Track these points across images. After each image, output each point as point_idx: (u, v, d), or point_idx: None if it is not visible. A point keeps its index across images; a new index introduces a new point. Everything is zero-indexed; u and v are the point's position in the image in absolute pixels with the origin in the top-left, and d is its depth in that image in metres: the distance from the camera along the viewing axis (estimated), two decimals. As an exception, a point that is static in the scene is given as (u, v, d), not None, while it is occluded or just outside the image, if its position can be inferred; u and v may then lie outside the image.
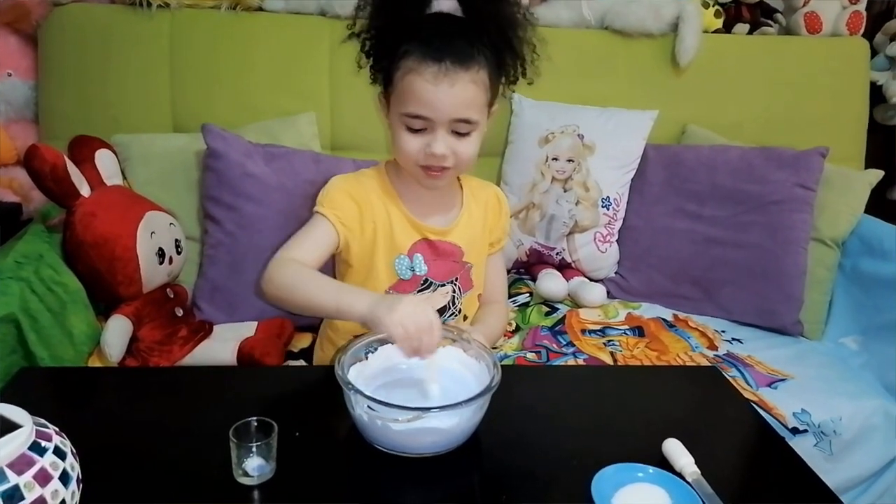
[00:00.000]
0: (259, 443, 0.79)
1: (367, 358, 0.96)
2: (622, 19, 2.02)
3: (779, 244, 1.73)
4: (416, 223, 1.15)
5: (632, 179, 1.90)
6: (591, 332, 1.67)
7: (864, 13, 2.16)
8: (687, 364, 1.54)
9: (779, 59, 2.12)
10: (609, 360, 1.54)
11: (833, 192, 1.78)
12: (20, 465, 0.62)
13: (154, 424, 0.91)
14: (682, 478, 0.82)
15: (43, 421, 0.68)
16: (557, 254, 1.88)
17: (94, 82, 1.87)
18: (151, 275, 1.43)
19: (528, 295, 1.85)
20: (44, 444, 0.65)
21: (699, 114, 2.06)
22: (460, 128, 1.03)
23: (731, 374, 1.51)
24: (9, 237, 1.43)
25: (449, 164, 1.06)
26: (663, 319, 1.75)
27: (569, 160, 1.85)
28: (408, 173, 1.12)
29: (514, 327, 1.69)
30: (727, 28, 2.18)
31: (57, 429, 0.70)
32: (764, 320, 1.75)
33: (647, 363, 1.54)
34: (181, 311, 1.51)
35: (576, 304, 1.82)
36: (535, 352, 1.57)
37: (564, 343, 1.61)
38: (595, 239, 1.85)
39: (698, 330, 1.71)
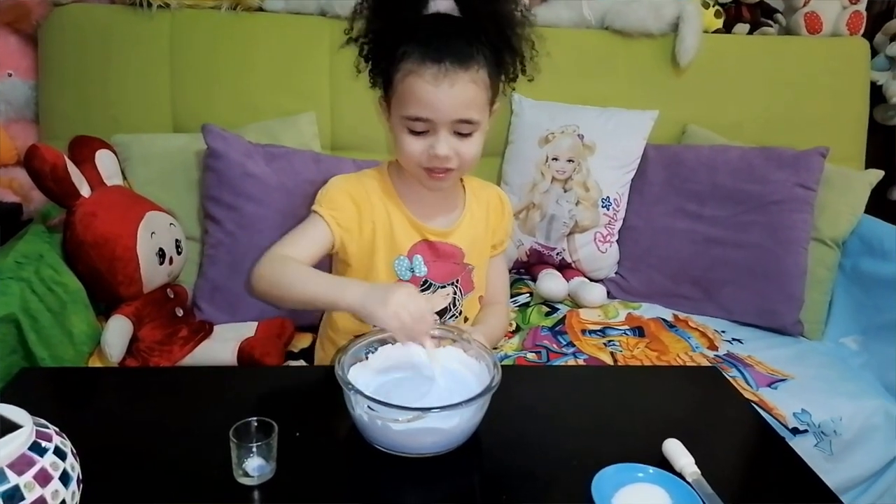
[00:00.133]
0: (259, 443, 0.79)
1: (367, 358, 0.96)
2: (622, 19, 2.02)
3: (779, 244, 1.73)
4: (417, 224, 1.15)
5: (632, 179, 1.90)
6: (591, 332, 1.67)
7: (865, 13, 2.16)
8: (687, 364, 1.54)
9: (779, 60, 2.12)
10: (609, 361, 1.54)
11: (833, 192, 1.78)
12: (20, 465, 0.62)
13: (154, 424, 0.90)
14: (683, 478, 0.82)
15: (43, 421, 0.68)
16: (558, 254, 1.88)
17: (94, 82, 1.87)
18: (152, 275, 1.43)
19: (528, 295, 1.85)
20: (44, 444, 0.65)
21: (699, 114, 2.06)
22: (462, 128, 1.03)
23: (731, 374, 1.51)
24: (9, 237, 1.43)
25: (452, 166, 1.05)
26: (663, 320, 1.75)
27: (569, 160, 1.85)
28: (410, 174, 1.11)
29: (514, 327, 1.69)
30: (727, 28, 2.18)
31: (57, 429, 0.70)
32: (764, 320, 1.75)
33: (647, 363, 1.54)
34: (181, 311, 1.51)
35: (576, 304, 1.82)
36: (536, 352, 1.57)
37: (564, 343, 1.61)
38: (595, 239, 1.85)
39: (698, 330, 1.71)
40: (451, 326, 1.11)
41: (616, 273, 1.91)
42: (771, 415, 1.41)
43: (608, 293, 1.84)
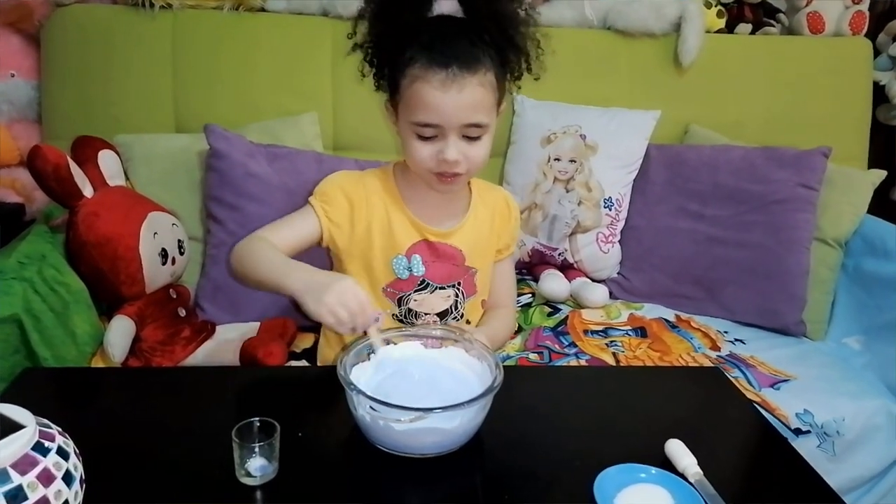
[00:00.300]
0: (261, 443, 0.79)
1: (369, 358, 0.96)
2: (624, 19, 2.02)
3: (781, 244, 1.72)
4: (418, 224, 1.15)
5: (634, 179, 1.90)
6: (593, 332, 1.67)
7: (867, 13, 2.16)
8: (689, 365, 1.54)
9: (781, 59, 2.11)
10: (611, 361, 1.54)
11: (836, 191, 1.78)
12: (23, 465, 0.62)
13: (157, 424, 0.91)
14: (685, 478, 0.82)
15: (46, 421, 0.68)
16: (560, 254, 1.87)
17: (96, 83, 1.87)
18: (154, 275, 1.44)
19: (530, 295, 1.85)
20: (47, 444, 0.65)
21: (702, 114, 2.06)
22: (471, 132, 1.03)
23: (733, 374, 1.51)
24: (12, 238, 1.43)
25: (461, 170, 1.05)
26: (665, 320, 1.75)
27: (571, 160, 1.85)
28: (419, 177, 1.11)
29: (516, 328, 1.69)
30: (729, 28, 2.18)
31: (60, 429, 0.70)
32: (766, 320, 1.75)
33: (649, 364, 1.53)
34: (184, 311, 1.51)
35: (578, 304, 1.82)
36: (538, 352, 1.57)
37: (567, 344, 1.61)
38: (597, 239, 1.85)
39: (701, 330, 1.71)
40: (453, 327, 1.11)
41: (618, 273, 1.91)
42: (773, 415, 1.40)
43: (610, 293, 1.83)
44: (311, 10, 1.96)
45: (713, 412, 1.05)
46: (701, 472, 0.82)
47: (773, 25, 2.22)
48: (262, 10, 1.95)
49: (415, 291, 1.16)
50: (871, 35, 2.20)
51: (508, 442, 0.90)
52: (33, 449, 0.64)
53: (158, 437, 0.88)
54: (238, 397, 0.99)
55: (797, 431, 1.41)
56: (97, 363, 1.34)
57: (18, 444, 0.62)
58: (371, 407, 0.82)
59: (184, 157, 1.70)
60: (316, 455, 0.86)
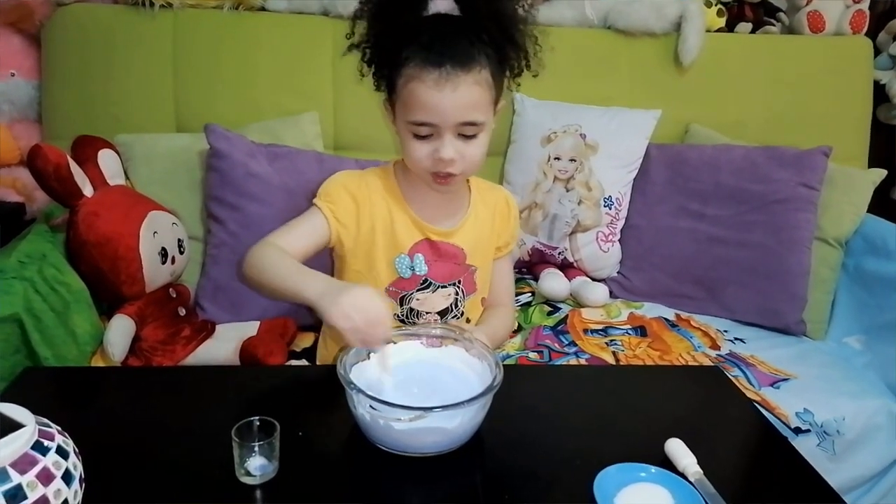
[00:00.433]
0: (261, 442, 0.79)
1: (369, 357, 0.95)
2: (625, 18, 2.01)
3: (782, 243, 1.72)
4: (420, 223, 1.15)
5: (634, 179, 1.89)
6: (593, 331, 1.66)
7: (868, 12, 2.15)
8: (689, 364, 1.53)
9: (782, 59, 2.11)
10: (611, 360, 1.53)
11: (836, 191, 1.78)
12: (23, 464, 0.62)
13: (156, 424, 0.91)
14: (685, 478, 0.82)
15: (46, 420, 0.68)
16: (560, 253, 1.87)
17: (97, 82, 1.87)
18: (154, 274, 1.44)
19: (530, 294, 1.85)
20: (46, 443, 0.65)
21: (702, 113, 2.06)
22: (467, 130, 1.02)
23: (733, 373, 1.50)
24: (12, 237, 1.43)
25: (456, 170, 1.05)
26: (665, 319, 1.75)
27: (571, 160, 1.84)
28: (416, 176, 1.11)
29: (516, 327, 1.69)
30: (730, 27, 2.17)
31: (59, 428, 0.70)
32: (767, 320, 1.75)
33: (649, 363, 1.53)
34: (184, 310, 1.51)
35: (578, 303, 1.81)
36: (538, 351, 1.57)
37: (567, 343, 1.61)
38: (597, 238, 1.85)
39: (701, 329, 1.71)
40: (452, 325, 1.11)
41: (618, 273, 1.91)
42: (773, 414, 1.40)
43: (610, 293, 1.83)
44: (312, 9, 1.95)
45: (713, 411, 1.05)
46: (701, 472, 0.82)
47: (774, 24, 2.22)
48: (263, 9, 1.94)
49: (417, 290, 1.16)
50: (872, 34, 2.19)
51: (508, 441, 0.90)
52: (33, 448, 0.64)
53: (158, 437, 0.88)
54: (238, 397, 0.99)
55: (797, 430, 1.41)
56: (97, 362, 1.34)
57: (18, 443, 0.62)
58: (371, 406, 0.82)
59: (184, 156, 1.70)
60: (316, 454, 0.86)
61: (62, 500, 0.64)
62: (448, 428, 0.83)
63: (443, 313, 1.19)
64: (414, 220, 1.15)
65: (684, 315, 1.78)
